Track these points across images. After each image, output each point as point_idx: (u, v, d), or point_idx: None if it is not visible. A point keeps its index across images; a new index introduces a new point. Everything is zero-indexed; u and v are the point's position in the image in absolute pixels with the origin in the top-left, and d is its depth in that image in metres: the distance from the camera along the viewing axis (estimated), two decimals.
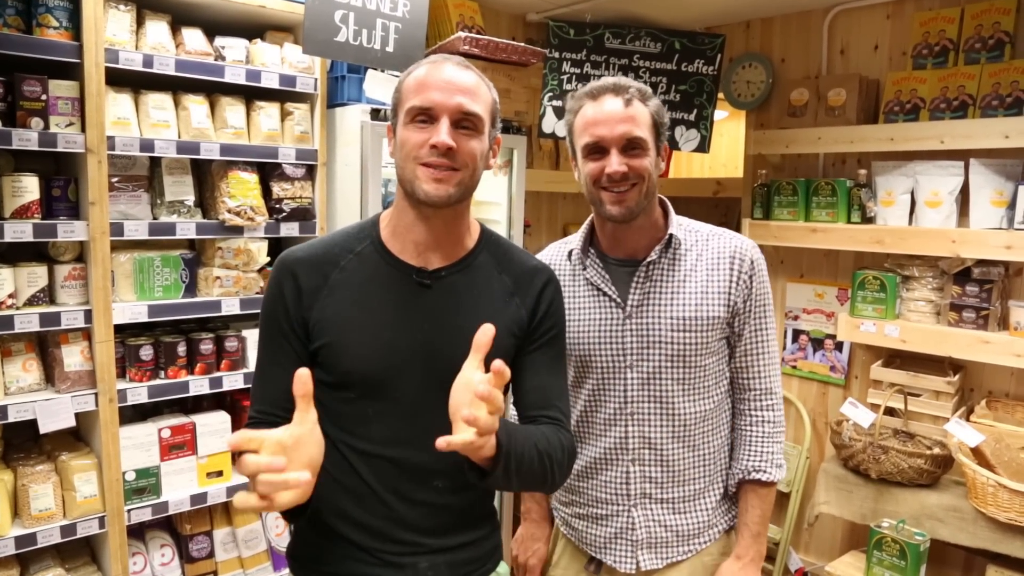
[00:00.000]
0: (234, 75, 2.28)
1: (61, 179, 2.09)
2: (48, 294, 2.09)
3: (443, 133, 1.18)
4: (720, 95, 3.35)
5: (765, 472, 1.56)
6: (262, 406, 1.27)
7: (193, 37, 2.26)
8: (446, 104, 1.19)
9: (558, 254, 1.64)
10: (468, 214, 1.33)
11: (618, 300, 1.52)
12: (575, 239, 1.62)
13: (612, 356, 1.52)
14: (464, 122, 1.21)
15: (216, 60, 2.29)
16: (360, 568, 1.27)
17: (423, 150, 1.19)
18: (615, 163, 1.42)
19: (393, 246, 1.29)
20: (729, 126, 4.88)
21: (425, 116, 1.20)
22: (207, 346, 2.34)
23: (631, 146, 1.43)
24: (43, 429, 2.04)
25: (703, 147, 3.22)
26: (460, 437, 1.01)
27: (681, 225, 1.57)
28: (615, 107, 1.44)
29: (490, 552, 1.39)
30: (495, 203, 2.97)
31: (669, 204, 1.59)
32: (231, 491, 2.38)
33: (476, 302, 1.29)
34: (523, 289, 1.33)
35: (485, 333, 1.08)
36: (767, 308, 1.56)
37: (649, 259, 1.51)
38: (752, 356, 1.56)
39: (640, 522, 1.54)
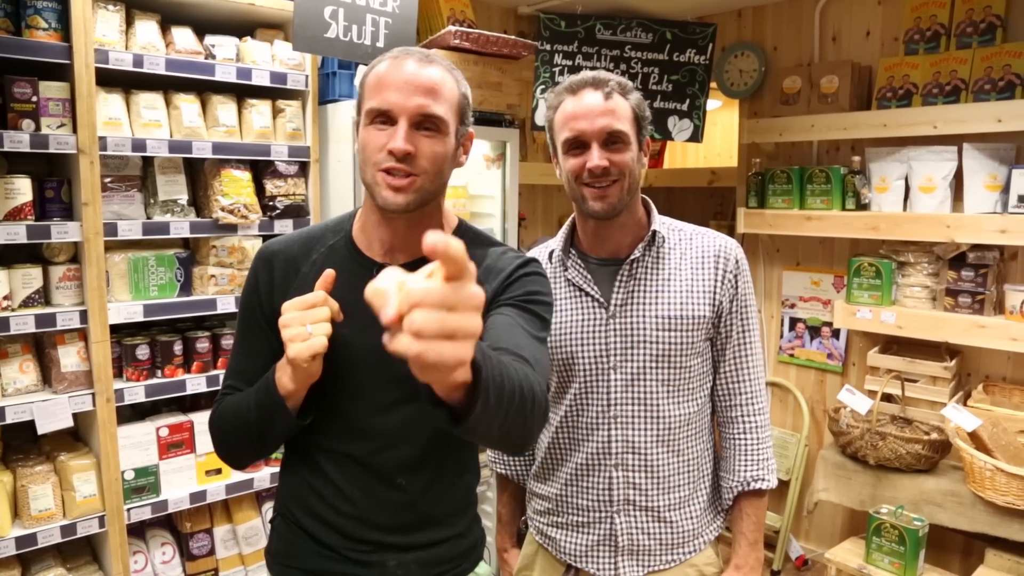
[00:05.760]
0: (225, 73, 2.28)
1: (54, 180, 2.09)
2: (43, 295, 2.10)
3: (399, 139, 1.12)
4: (713, 84, 3.34)
5: (765, 480, 1.51)
6: (233, 381, 1.28)
7: (183, 36, 2.26)
8: (404, 106, 1.12)
9: (539, 257, 1.59)
10: (438, 214, 1.27)
11: (601, 300, 1.48)
12: (556, 240, 1.58)
13: (595, 357, 1.48)
14: (425, 123, 1.15)
15: (206, 59, 2.29)
16: (329, 565, 1.26)
17: (381, 154, 1.14)
18: (596, 157, 1.39)
19: (361, 242, 1.28)
20: (722, 115, 4.87)
21: (384, 118, 1.14)
22: (203, 344, 2.35)
23: (612, 140, 1.40)
24: (41, 430, 2.05)
25: (696, 137, 3.22)
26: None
27: (664, 223, 1.53)
28: (595, 101, 1.40)
29: (466, 551, 1.34)
30: (489, 196, 2.97)
31: (651, 203, 1.56)
32: (230, 488, 2.39)
33: None
34: (492, 276, 1.23)
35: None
36: (751, 308, 1.53)
37: (633, 257, 1.47)
38: (741, 359, 1.52)
39: (623, 529, 1.49)
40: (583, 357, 1.49)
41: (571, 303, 1.52)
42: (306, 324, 1.08)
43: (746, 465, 1.53)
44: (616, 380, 1.47)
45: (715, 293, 1.48)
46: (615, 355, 1.47)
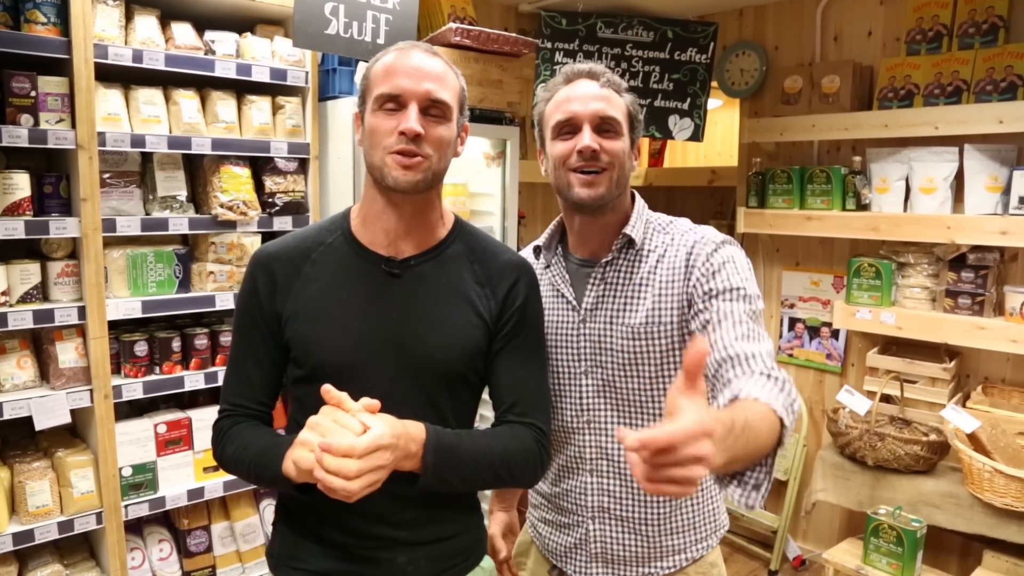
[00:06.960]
0: (224, 69, 2.27)
1: (52, 176, 2.08)
2: (41, 291, 2.09)
3: (412, 119, 1.18)
4: (714, 83, 3.34)
5: (790, 412, 1.07)
6: (237, 399, 1.29)
7: (183, 31, 2.25)
8: (415, 91, 1.19)
9: (529, 253, 1.56)
10: (439, 203, 1.32)
11: (573, 303, 1.43)
12: (542, 236, 1.54)
13: (568, 361, 1.43)
14: (432, 109, 1.21)
15: (206, 54, 2.28)
16: (338, 565, 1.27)
17: (392, 138, 1.19)
18: (587, 138, 1.34)
19: (363, 236, 1.29)
20: (723, 115, 4.86)
21: (393, 103, 1.20)
22: (202, 341, 2.34)
23: (605, 127, 1.36)
24: (39, 426, 2.04)
25: (697, 136, 3.22)
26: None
27: (650, 223, 1.43)
28: (590, 87, 1.38)
29: (473, 545, 1.37)
30: (489, 194, 2.97)
31: (640, 203, 1.47)
32: (228, 486, 2.38)
33: (445, 290, 1.27)
34: (494, 281, 1.31)
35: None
36: (739, 262, 1.31)
37: (605, 259, 1.41)
38: (737, 316, 1.23)
39: (596, 536, 1.45)
40: (556, 359, 1.45)
41: (550, 303, 1.47)
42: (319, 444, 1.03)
43: (772, 393, 1.07)
44: (588, 386, 1.42)
45: (684, 294, 1.35)
46: (586, 360, 1.42)
